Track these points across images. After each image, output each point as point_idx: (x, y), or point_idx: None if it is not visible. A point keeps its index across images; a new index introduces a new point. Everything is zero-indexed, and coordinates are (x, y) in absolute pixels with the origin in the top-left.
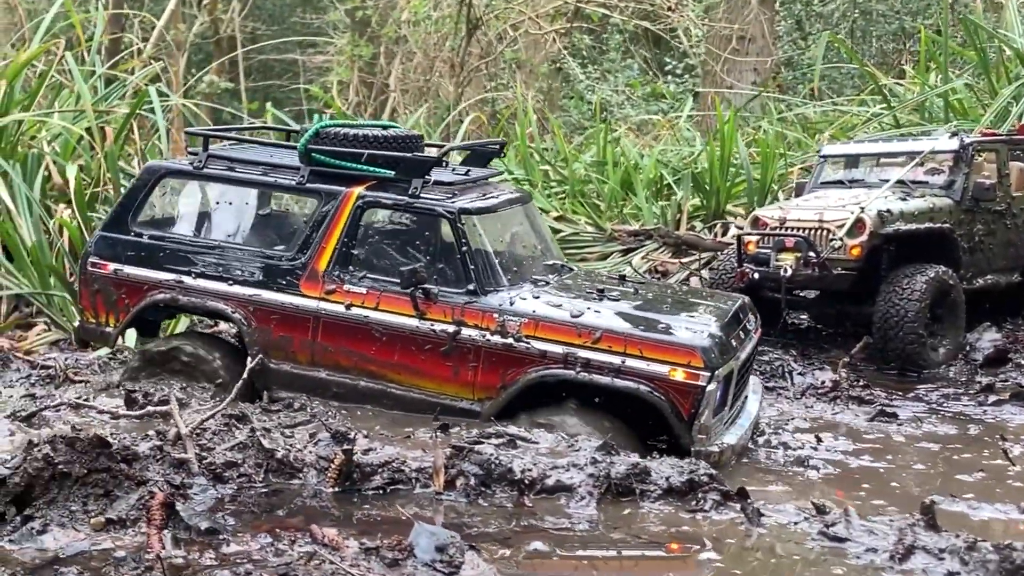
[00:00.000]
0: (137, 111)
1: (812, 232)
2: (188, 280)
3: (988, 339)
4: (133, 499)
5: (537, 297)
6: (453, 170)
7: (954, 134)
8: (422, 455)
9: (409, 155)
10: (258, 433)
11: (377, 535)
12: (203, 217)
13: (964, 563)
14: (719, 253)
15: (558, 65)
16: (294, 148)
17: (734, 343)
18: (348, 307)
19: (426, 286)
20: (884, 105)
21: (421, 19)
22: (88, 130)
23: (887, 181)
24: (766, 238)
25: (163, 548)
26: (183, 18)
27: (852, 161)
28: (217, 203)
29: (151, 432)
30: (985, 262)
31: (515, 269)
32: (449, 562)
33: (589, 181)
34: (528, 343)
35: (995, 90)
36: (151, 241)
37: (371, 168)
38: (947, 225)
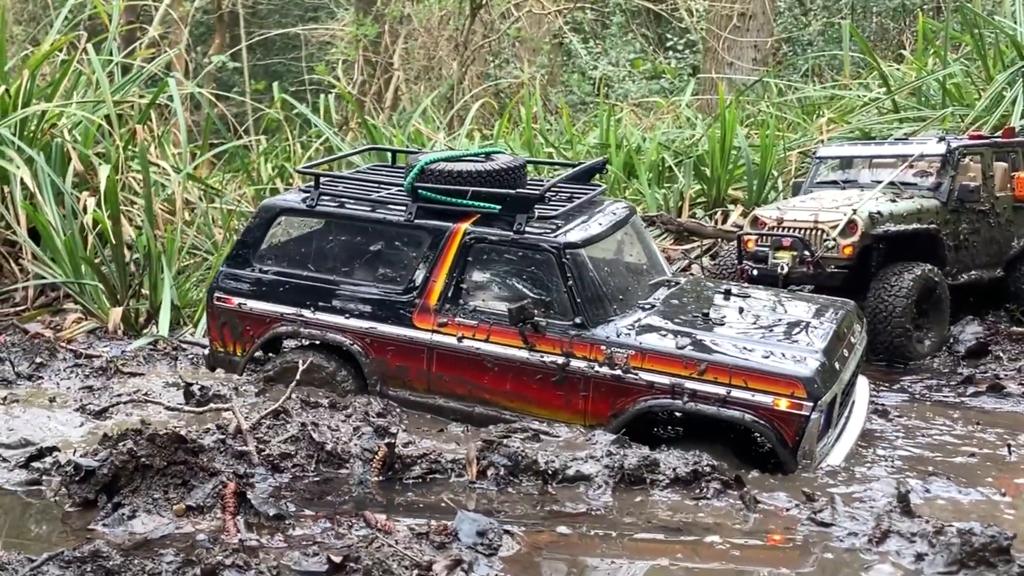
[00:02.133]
0: (156, 100)
1: (807, 232)
2: (307, 314)
3: (971, 332)
4: (208, 488)
5: (643, 327)
6: (557, 195)
7: (942, 139)
8: (456, 448)
9: (514, 192)
10: (308, 427)
11: (423, 520)
12: (319, 252)
13: (932, 545)
14: (720, 240)
15: (560, 40)
16: (401, 176)
17: (838, 365)
18: (460, 339)
19: (536, 320)
20: (883, 88)
21: None
22: (107, 118)
23: (879, 182)
24: (764, 237)
25: (239, 532)
26: None
27: (846, 162)
28: (331, 239)
29: (212, 426)
30: (969, 259)
31: (621, 296)
32: (489, 544)
33: None
34: (636, 374)
35: (990, 76)
36: (272, 276)
37: (477, 204)
38: (934, 225)
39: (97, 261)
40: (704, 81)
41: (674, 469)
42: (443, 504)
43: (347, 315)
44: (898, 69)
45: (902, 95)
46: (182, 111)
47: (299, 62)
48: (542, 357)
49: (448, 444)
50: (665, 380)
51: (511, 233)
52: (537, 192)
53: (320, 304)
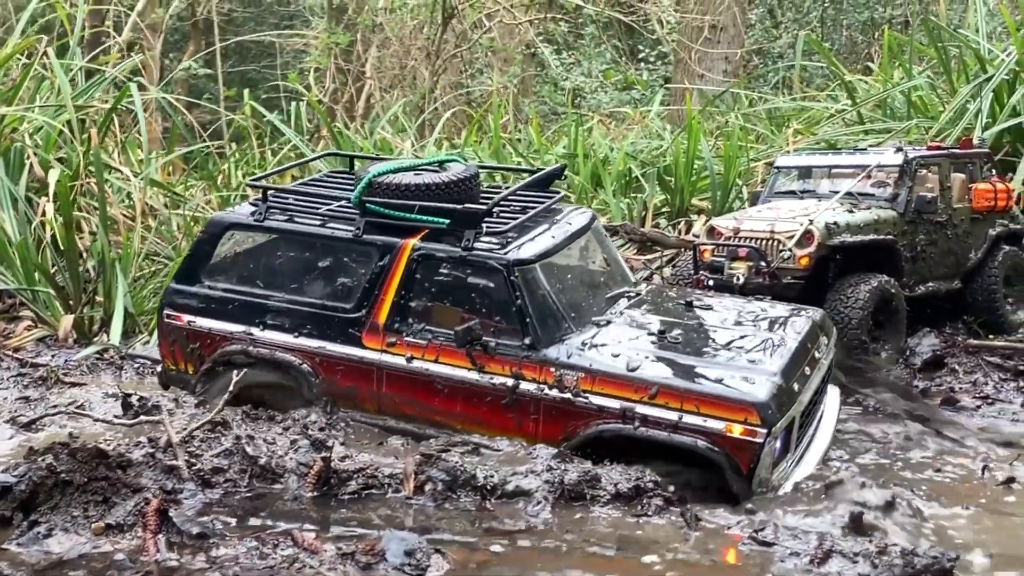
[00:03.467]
0: (117, 106)
1: (764, 243)
2: (257, 332)
3: (927, 344)
4: (130, 505)
5: (595, 346)
6: (510, 207)
7: (899, 149)
8: (394, 462)
9: (460, 208)
10: (243, 440)
11: (352, 540)
12: (268, 268)
13: (874, 566)
14: (682, 250)
15: (533, 51)
16: (352, 187)
17: (797, 387)
18: (409, 359)
19: (485, 340)
20: (849, 101)
21: (397, 7)
22: (69, 124)
23: (837, 192)
24: (721, 247)
25: (158, 552)
26: (160, 1)
27: (805, 172)
28: (279, 254)
29: (143, 440)
30: (927, 270)
31: (575, 313)
32: (416, 565)
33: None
34: (587, 398)
35: (955, 89)
36: (221, 293)
37: (424, 218)
38: (891, 236)
39: (53, 268)
40: (675, 92)
41: (615, 485)
42: (376, 521)
43: (296, 333)
44: (865, 81)
45: (868, 107)
46: (143, 116)
47: (274, 70)
48: (491, 379)
49: (387, 458)
50: (615, 404)
51: (459, 249)
52: (484, 207)
53: (269, 322)
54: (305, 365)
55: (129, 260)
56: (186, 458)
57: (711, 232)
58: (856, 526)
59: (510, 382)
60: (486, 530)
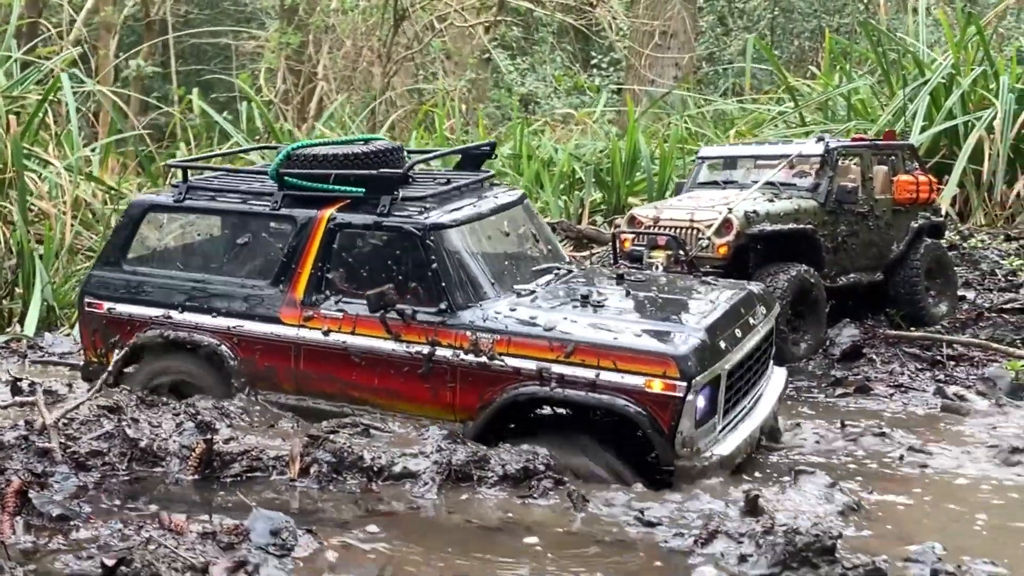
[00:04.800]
0: (51, 97)
1: (683, 231)
2: (175, 315)
3: (847, 335)
4: None
5: (513, 310)
6: (435, 179)
7: (820, 139)
8: (281, 444)
9: (375, 172)
10: (124, 423)
11: (230, 521)
12: (189, 249)
13: (758, 546)
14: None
15: (487, 56)
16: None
17: (724, 345)
18: (326, 333)
19: (399, 307)
20: (791, 104)
21: (349, 8)
22: None
23: (759, 182)
24: (641, 236)
25: (14, 534)
26: (114, 0)
27: (730, 163)
28: (199, 234)
29: (20, 423)
30: (848, 261)
31: (495, 282)
32: (282, 544)
33: (506, 174)
34: (502, 360)
35: (893, 91)
36: (141, 277)
37: (340, 188)
38: (811, 226)
39: None
40: (627, 96)
41: (504, 466)
42: (257, 504)
43: (214, 314)
44: (808, 85)
45: (810, 110)
46: (75, 108)
47: (230, 72)
48: (407, 347)
49: (274, 441)
50: (532, 365)
51: (375, 216)
52: (400, 172)
53: (188, 304)
54: (223, 346)
55: (50, 251)
56: (61, 441)
57: (632, 221)
58: (751, 508)
59: (426, 349)
60: (368, 511)
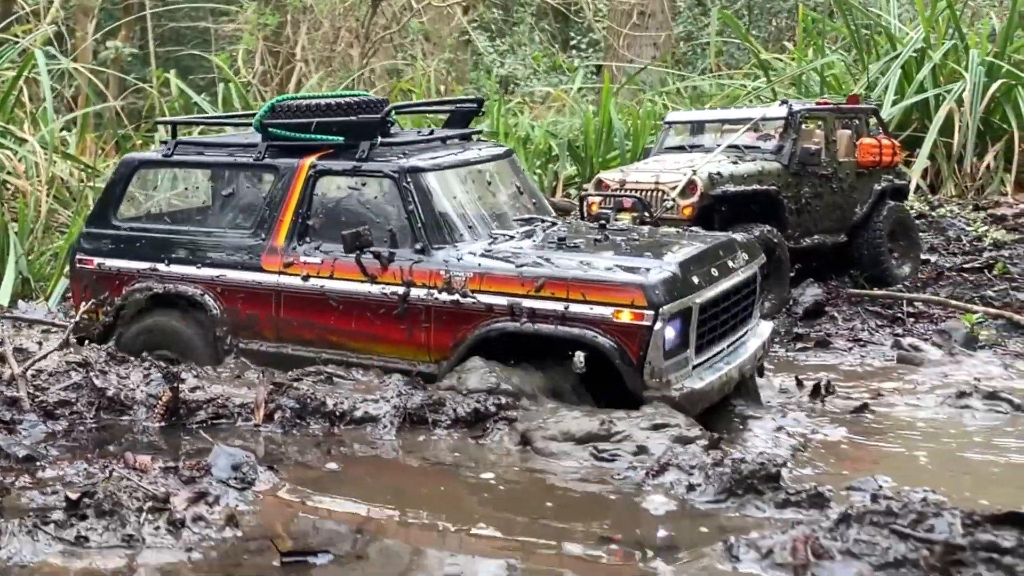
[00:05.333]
0: (25, 74)
1: (648, 193)
2: (162, 267)
3: (810, 294)
4: None
5: (489, 250)
6: (419, 132)
7: (784, 102)
8: (246, 392)
9: (355, 119)
10: (92, 374)
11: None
12: (177, 204)
13: (707, 476)
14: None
15: (466, 38)
16: None
17: (696, 280)
18: (305, 278)
19: (375, 249)
20: (765, 79)
21: None
22: None
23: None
24: (607, 199)
25: None
26: None
27: (698, 128)
28: (187, 188)
29: None
30: (812, 223)
31: (472, 225)
32: (243, 479)
33: None
34: (475, 297)
35: (865, 66)
36: (130, 232)
37: (321, 136)
38: (774, 187)
39: None
40: (606, 75)
41: (455, 410)
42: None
43: (199, 264)
44: (780, 60)
45: (783, 85)
46: (48, 85)
47: (209, 54)
48: (383, 289)
49: (239, 389)
50: (503, 301)
51: (354, 162)
52: (379, 116)
53: (174, 256)
54: (207, 296)
55: (25, 228)
56: (29, 391)
57: (598, 185)
58: (712, 445)
59: (401, 290)
60: (328, 452)
